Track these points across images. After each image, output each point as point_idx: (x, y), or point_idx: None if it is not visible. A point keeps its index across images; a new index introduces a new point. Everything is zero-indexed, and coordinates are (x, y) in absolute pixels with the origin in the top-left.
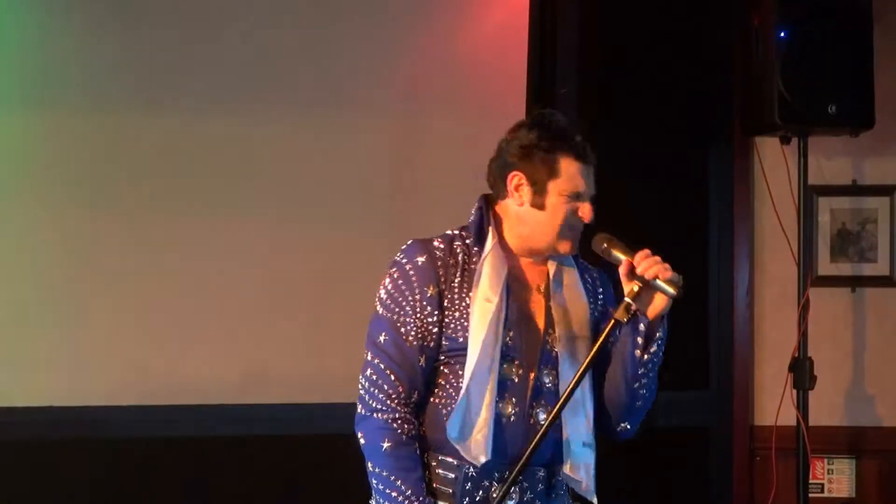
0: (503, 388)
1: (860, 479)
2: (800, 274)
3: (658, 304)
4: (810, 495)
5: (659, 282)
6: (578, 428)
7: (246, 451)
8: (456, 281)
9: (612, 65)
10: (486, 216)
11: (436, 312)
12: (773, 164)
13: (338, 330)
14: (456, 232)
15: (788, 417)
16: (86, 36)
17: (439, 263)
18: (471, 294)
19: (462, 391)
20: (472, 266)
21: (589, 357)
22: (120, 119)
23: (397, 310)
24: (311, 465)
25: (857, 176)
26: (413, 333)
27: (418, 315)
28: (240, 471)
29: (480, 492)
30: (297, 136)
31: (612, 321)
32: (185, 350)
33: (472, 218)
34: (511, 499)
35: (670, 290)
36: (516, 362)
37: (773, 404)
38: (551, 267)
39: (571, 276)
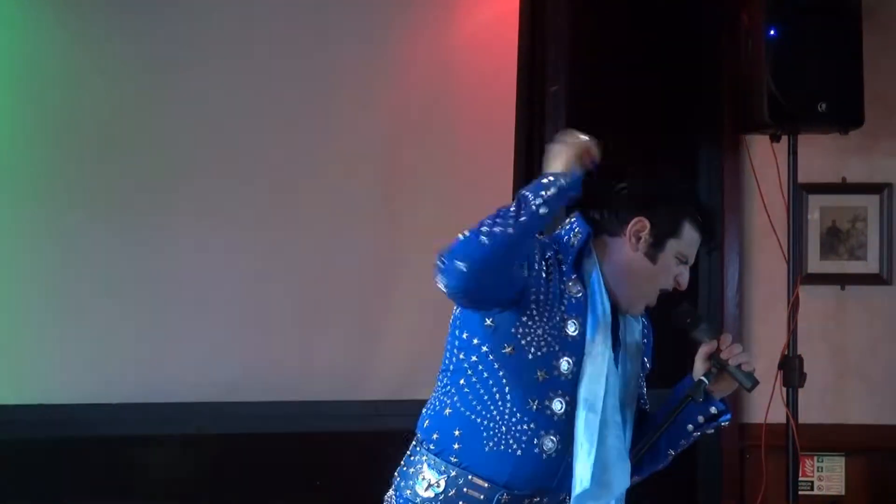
0: (549, 423)
1: (850, 476)
2: (789, 272)
3: (726, 388)
4: (800, 493)
5: (739, 372)
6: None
7: (239, 448)
8: (543, 288)
9: (602, 63)
10: (588, 246)
11: (524, 278)
12: (763, 162)
13: (332, 330)
14: (546, 240)
15: (778, 415)
16: (81, 36)
17: (539, 262)
18: (558, 316)
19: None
20: (561, 286)
21: (661, 429)
22: (116, 121)
23: None
24: (304, 461)
25: (846, 174)
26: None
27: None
28: (234, 467)
29: None
30: (292, 136)
31: (687, 398)
32: (179, 348)
33: (567, 236)
34: None
35: (747, 383)
36: (567, 398)
37: (763, 402)
38: (622, 319)
39: (635, 332)
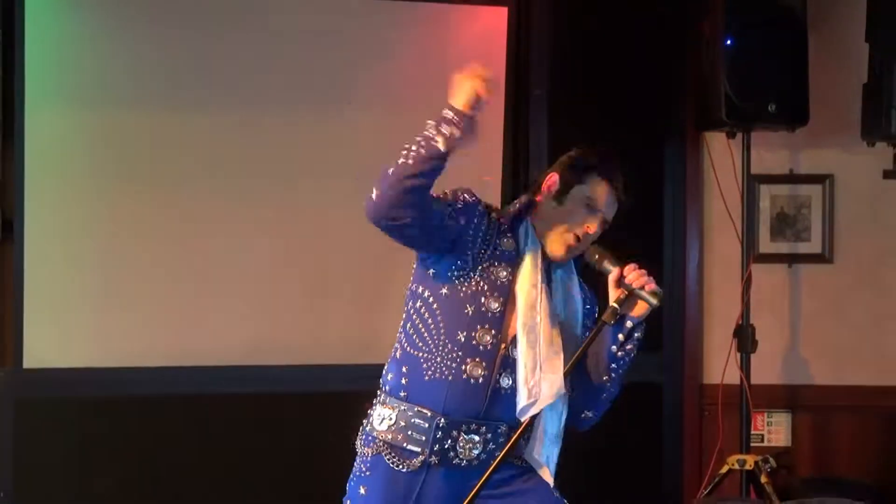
0: (476, 352)
1: (795, 430)
2: (743, 252)
3: (639, 310)
4: (752, 445)
5: (643, 292)
6: (553, 419)
7: (263, 405)
8: (480, 240)
9: (578, 70)
10: (527, 212)
11: (459, 227)
12: (720, 156)
13: (336, 301)
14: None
15: (733, 377)
16: (117, 43)
17: (480, 219)
18: (489, 262)
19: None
20: (496, 241)
21: (582, 347)
22: (154, 116)
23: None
24: (313, 419)
25: (793, 166)
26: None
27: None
28: (257, 423)
29: (449, 440)
30: (303, 132)
31: (601, 323)
32: (209, 318)
33: (512, 208)
34: (476, 447)
35: (652, 300)
36: (493, 331)
37: (720, 365)
38: (556, 269)
39: (573, 284)
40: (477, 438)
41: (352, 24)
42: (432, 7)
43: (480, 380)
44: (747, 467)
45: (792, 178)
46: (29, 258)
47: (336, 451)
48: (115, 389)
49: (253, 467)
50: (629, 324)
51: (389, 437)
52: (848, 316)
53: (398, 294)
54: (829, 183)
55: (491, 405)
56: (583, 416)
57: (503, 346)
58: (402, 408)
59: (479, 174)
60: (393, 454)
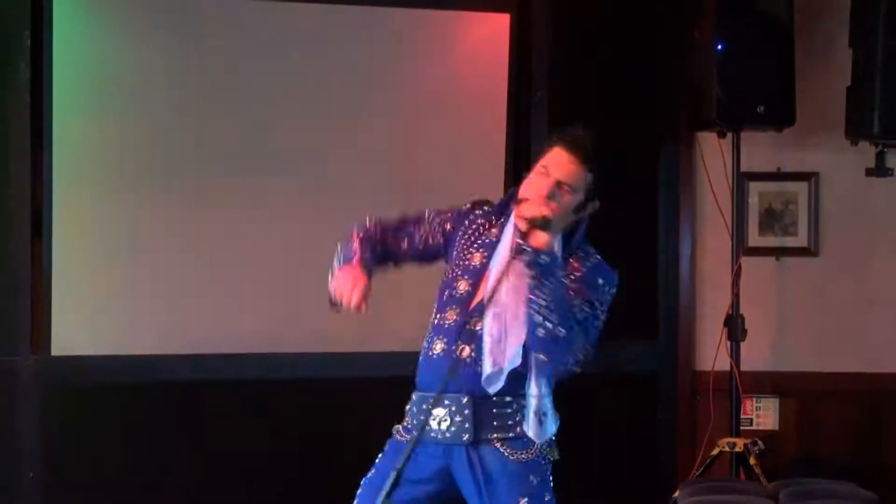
0: (441, 331)
1: (782, 414)
2: (733, 245)
3: (536, 240)
4: (741, 428)
5: (534, 220)
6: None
7: (283, 390)
8: (466, 235)
9: (577, 74)
10: (514, 199)
11: (448, 235)
12: (712, 155)
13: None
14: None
15: (723, 364)
16: (147, 45)
17: (467, 220)
18: (469, 251)
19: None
20: (482, 230)
21: (495, 277)
22: (174, 118)
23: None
24: (332, 405)
25: (780, 164)
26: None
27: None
28: (281, 407)
29: (422, 415)
30: (315, 134)
31: (509, 260)
32: (229, 307)
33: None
34: (444, 420)
35: (538, 222)
36: (458, 309)
37: (711, 353)
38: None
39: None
40: (443, 412)
41: (360, 32)
42: (438, 14)
43: (441, 353)
44: (737, 449)
45: (779, 176)
46: (56, 253)
47: (360, 436)
48: (137, 375)
49: (276, 451)
50: (520, 242)
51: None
52: (832, 306)
53: (413, 284)
54: (815, 180)
55: (453, 377)
56: (539, 359)
57: (466, 321)
58: (414, 397)
59: (481, 163)
60: (401, 428)
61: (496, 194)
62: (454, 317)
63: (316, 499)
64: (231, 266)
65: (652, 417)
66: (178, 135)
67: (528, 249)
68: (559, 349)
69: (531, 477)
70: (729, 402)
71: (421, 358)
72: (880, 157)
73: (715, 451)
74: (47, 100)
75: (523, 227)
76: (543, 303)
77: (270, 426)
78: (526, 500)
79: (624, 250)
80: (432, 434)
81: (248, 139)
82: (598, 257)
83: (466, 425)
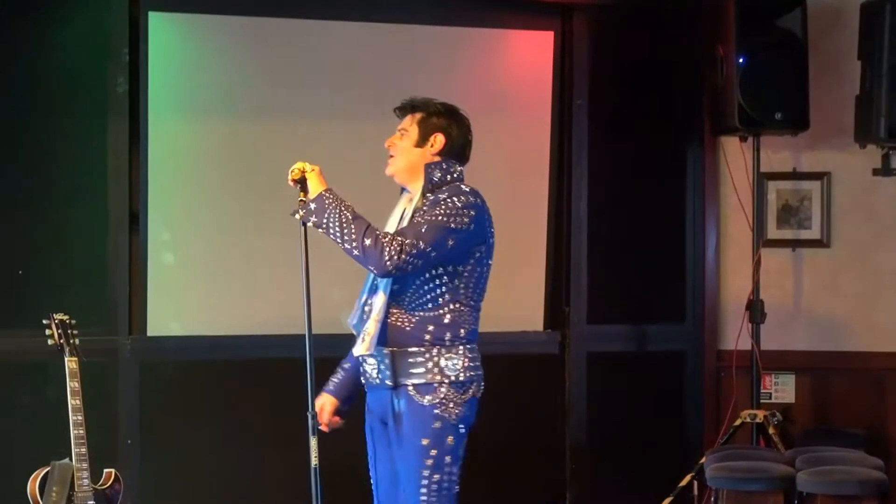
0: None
1: (798, 388)
2: (754, 237)
3: (309, 190)
4: (761, 401)
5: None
6: (373, 304)
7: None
8: None
9: (613, 84)
10: None
11: None
12: (734, 157)
13: None
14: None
15: (745, 344)
16: (229, 58)
17: None
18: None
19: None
20: None
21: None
22: (256, 123)
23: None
24: None
25: (796, 165)
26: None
27: None
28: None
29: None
30: (370, 144)
31: (296, 216)
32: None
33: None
34: (366, 374)
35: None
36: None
37: (734, 334)
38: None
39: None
40: (374, 362)
41: (415, 49)
42: (490, 32)
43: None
44: (757, 420)
45: (795, 176)
46: (151, 245)
47: None
48: (222, 353)
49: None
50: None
51: None
52: (842, 292)
53: None
54: (827, 179)
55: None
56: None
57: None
58: None
59: (528, 164)
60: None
61: (542, 188)
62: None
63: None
64: (297, 257)
65: (680, 392)
66: (256, 139)
67: (300, 208)
68: (368, 259)
69: (434, 421)
70: (750, 377)
71: None
72: (886, 158)
73: (737, 422)
74: (143, 110)
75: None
76: (335, 231)
77: None
78: (428, 440)
79: (655, 242)
80: (370, 380)
81: (314, 145)
82: (459, 187)
83: (387, 372)
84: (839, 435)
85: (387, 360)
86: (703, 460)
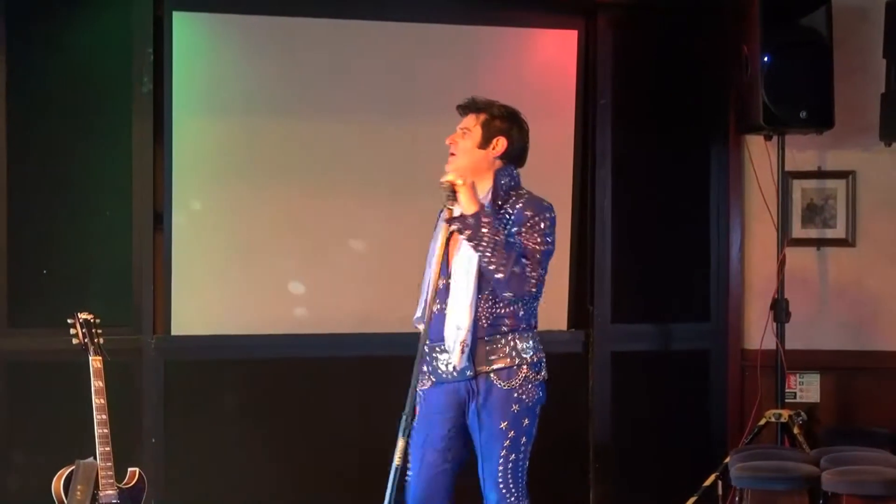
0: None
1: (823, 388)
2: (778, 236)
3: (457, 203)
4: (786, 401)
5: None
6: (454, 315)
7: (372, 366)
8: None
9: (638, 83)
10: None
11: None
12: (759, 155)
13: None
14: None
15: (769, 343)
16: (255, 58)
17: None
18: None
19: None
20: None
21: (440, 249)
22: (278, 123)
23: None
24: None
25: (821, 163)
26: None
27: None
28: (368, 383)
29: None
30: (403, 141)
31: (441, 223)
32: (324, 293)
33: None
34: (436, 371)
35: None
36: (444, 276)
37: (758, 333)
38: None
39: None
40: (446, 356)
41: (440, 48)
42: (512, 31)
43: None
44: (782, 420)
45: (820, 174)
46: (175, 244)
47: None
48: (246, 352)
49: (363, 421)
50: (457, 212)
51: None
52: (867, 291)
53: None
54: (852, 178)
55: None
56: (503, 293)
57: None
58: None
59: (552, 163)
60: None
61: (566, 186)
62: (441, 285)
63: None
64: (327, 256)
65: (704, 391)
66: (280, 138)
67: (456, 219)
68: (510, 285)
69: (513, 405)
70: (775, 377)
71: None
72: None
73: (762, 422)
74: (167, 108)
75: (444, 198)
76: (487, 254)
77: (364, 398)
78: (506, 423)
79: (679, 241)
80: (443, 375)
81: (338, 144)
82: (527, 194)
83: (467, 363)
84: (864, 434)
85: (466, 353)
86: (727, 460)
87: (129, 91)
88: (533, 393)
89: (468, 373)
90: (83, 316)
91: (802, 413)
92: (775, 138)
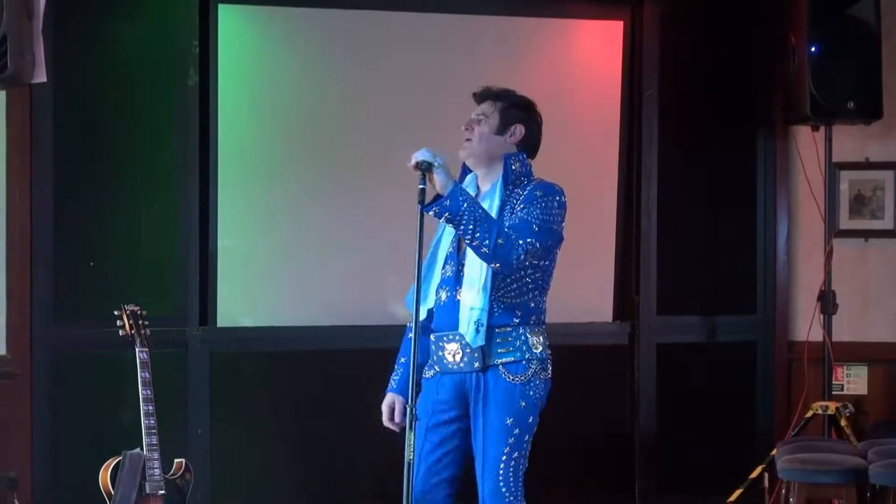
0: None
1: (871, 380)
2: (826, 228)
3: (436, 182)
4: (833, 393)
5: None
6: (468, 296)
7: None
8: None
9: (684, 74)
10: None
11: None
12: (806, 146)
13: None
14: None
15: (816, 335)
16: (299, 49)
17: None
18: None
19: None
20: None
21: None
22: (320, 119)
23: None
24: None
25: (869, 154)
26: None
27: None
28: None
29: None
30: (445, 133)
31: (420, 206)
32: (365, 286)
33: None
34: (442, 360)
35: (423, 165)
36: (451, 262)
37: (805, 325)
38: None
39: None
40: (455, 346)
41: (486, 39)
42: (557, 22)
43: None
44: (829, 412)
45: (867, 165)
46: (221, 235)
47: None
48: (292, 344)
49: None
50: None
51: None
52: None
53: None
54: None
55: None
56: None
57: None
58: None
59: (597, 154)
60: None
61: (612, 179)
62: (449, 272)
63: None
64: (367, 251)
65: (751, 383)
66: (325, 130)
67: (432, 203)
68: (497, 255)
69: (520, 401)
70: (822, 369)
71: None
72: None
73: (809, 414)
74: (213, 102)
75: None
76: (470, 227)
77: None
78: (512, 420)
79: (725, 232)
80: (449, 366)
81: (382, 137)
82: (536, 179)
83: (476, 355)
84: None
85: (482, 332)
86: (774, 452)
87: (176, 85)
88: (540, 390)
89: (476, 364)
90: (130, 308)
91: (850, 405)
92: (822, 129)
